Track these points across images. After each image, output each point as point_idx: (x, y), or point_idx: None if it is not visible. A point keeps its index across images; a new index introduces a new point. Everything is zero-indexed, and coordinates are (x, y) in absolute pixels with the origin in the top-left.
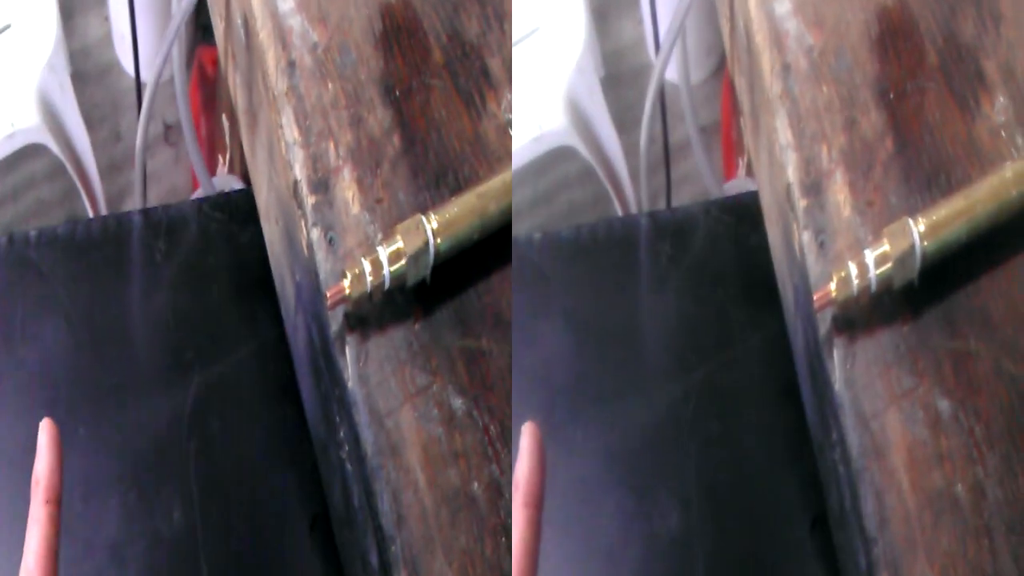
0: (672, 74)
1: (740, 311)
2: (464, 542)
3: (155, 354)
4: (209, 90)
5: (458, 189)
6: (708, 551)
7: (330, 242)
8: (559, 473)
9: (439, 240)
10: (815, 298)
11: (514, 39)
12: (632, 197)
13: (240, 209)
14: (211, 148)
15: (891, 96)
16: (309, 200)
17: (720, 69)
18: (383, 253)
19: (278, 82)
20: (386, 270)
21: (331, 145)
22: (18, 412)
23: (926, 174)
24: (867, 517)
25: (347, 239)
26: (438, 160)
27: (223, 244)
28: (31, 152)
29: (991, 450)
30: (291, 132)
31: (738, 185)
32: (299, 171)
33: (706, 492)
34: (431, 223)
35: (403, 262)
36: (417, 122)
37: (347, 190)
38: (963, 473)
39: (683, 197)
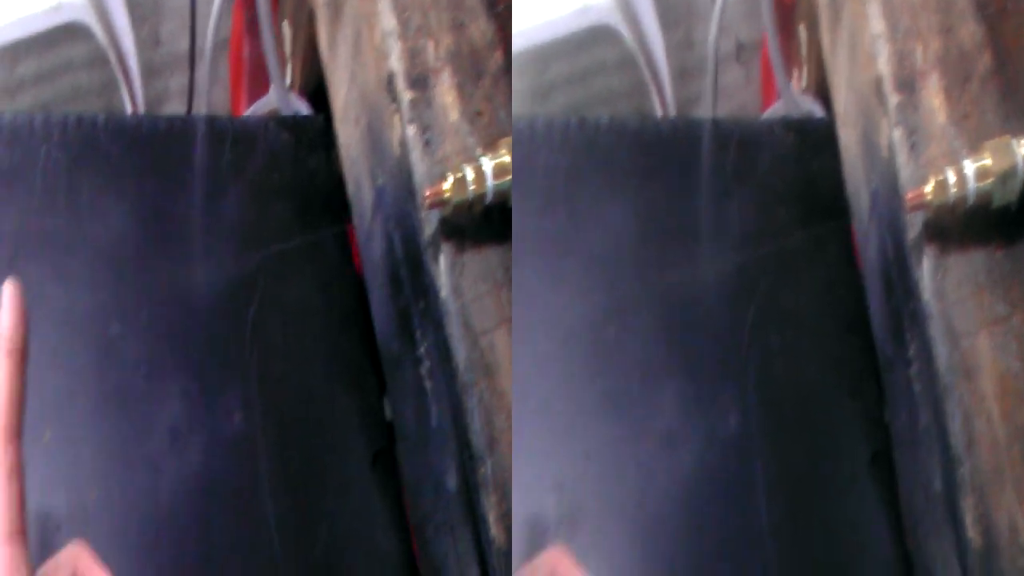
0: None
1: (802, 233)
2: None
3: (219, 258)
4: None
5: None
6: (766, 460)
7: (427, 143)
8: (622, 351)
9: None
10: (908, 196)
11: None
12: (670, 92)
13: (307, 133)
14: (256, 65)
15: (990, 10)
16: (406, 95)
17: None
18: (487, 164)
19: None
20: (489, 182)
21: (430, 44)
22: (84, 283)
23: None
24: (953, 435)
25: (445, 144)
26: None
27: (288, 165)
28: (71, 35)
29: None
30: (389, 20)
31: (797, 101)
32: (395, 62)
33: (765, 405)
34: None
35: (508, 177)
36: None
37: (446, 95)
38: None
39: (720, 109)
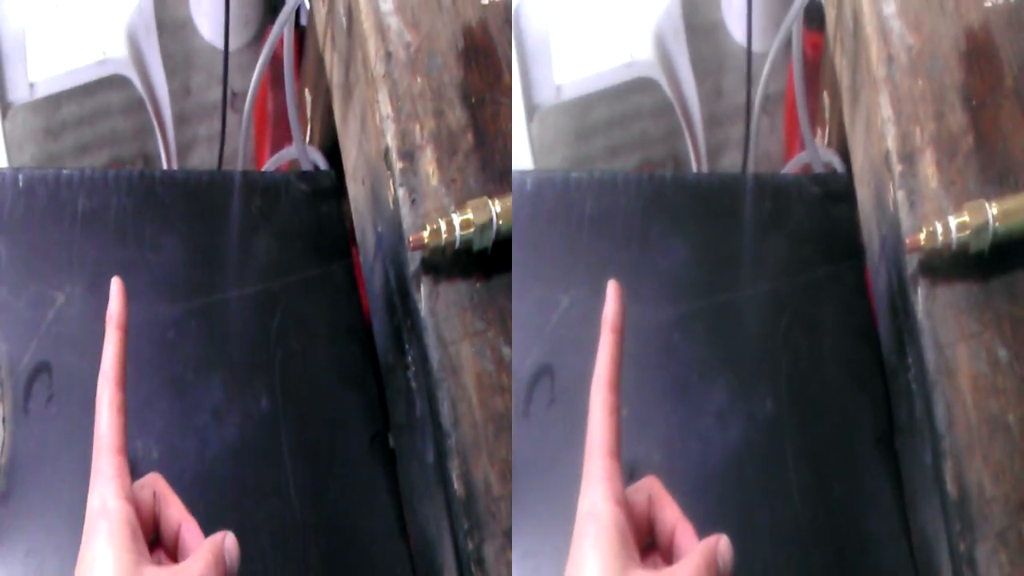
0: (743, 39)
1: (825, 265)
2: (504, 454)
3: (250, 282)
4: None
5: None
6: (794, 436)
7: (412, 202)
8: (684, 351)
9: (500, 221)
10: (907, 242)
11: None
12: (702, 137)
13: (321, 185)
14: (279, 117)
15: (973, 103)
16: (397, 165)
17: (787, 44)
18: (456, 219)
19: (376, 66)
20: (457, 232)
21: (417, 126)
22: (147, 300)
23: (998, 172)
24: (937, 419)
25: (427, 202)
26: (503, 162)
27: (306, 211)
28: (109, 84)
29: None
30: (385, 108)
31: (821, 155)
32: (390, 140)
33: (794, 394)
34: (496, 206)
35: (471, 230)
36: (488, 128)
37: (428, 165)
38: (1014, 407)
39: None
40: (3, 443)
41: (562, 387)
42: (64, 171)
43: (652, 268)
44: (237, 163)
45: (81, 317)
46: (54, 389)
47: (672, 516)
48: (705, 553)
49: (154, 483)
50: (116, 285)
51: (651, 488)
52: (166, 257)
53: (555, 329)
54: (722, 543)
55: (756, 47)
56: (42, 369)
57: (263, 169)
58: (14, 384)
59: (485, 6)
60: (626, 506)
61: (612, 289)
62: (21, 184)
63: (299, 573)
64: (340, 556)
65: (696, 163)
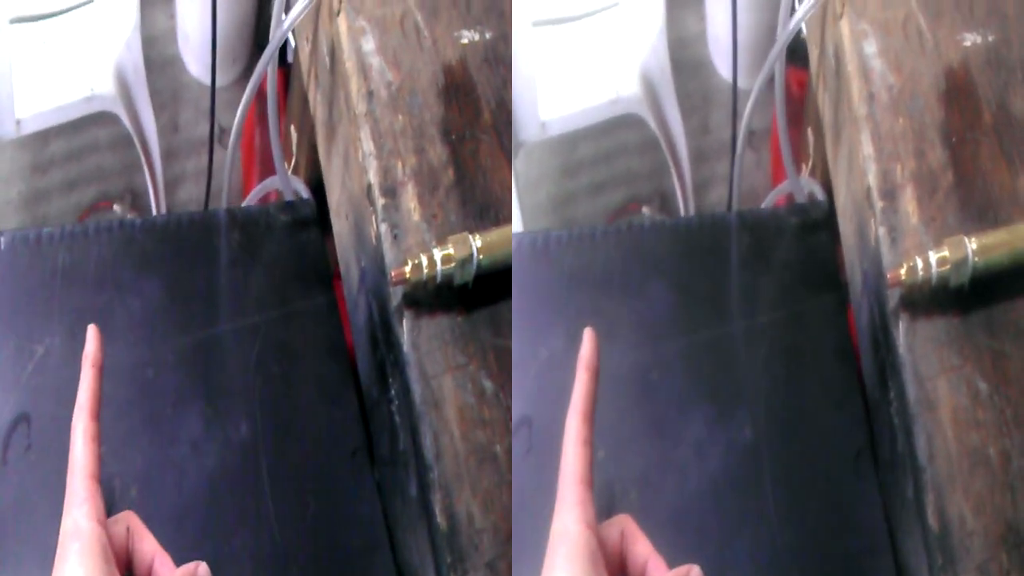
0: (730, 75)
1: (802, 288)
2: (487, 485)
3: (232, 315)
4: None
5: (498, 224)
6: (772, 459)
7: (395, 237)
8: (661, 389)
9: (481, 256)
10: (888, 276)
11: (594, 9)
12: (688, 173)
13: (300, 214)
14: (266, 154)
15: (953, 140)
16: (380, 201)
17: (771, 80)
18: (437, 254)
19: (358, 104)
20: (439, 267)
21: (399, 163)
22: (126, 341)
23: (978, 208)
24: (919, 450)
25: (408, 238)
26: (483, 197)
27: (287, 240)
28: (97, 120)
29: (1018, 429)
30: (368, 145)
31: (803, 184)
32: (373, 177)
33: (772, 420)
34: (476, 241)
35: (452, 265)
36: (468, 164)
37: (410, 201)
38: (994, 440)
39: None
40: None
41: (539, 436)
42: (46, 229)
43: (630, 310)
44: (222, 198)
45: (60, 367)
46: (32, 439)
47: (644, 551)
48: None
49: (127, 519)
50: (92, 331)
51: (624, 524)
52: (146, 299)
53: (533, 380)
54: (693, 573)
55: (742, 84)
56: (21, 420)
57: (246, 199)
58: None
59: (465, 45)
60: (597, 530)
61: (588, 335)
62: (3, 246)
63: None
64: (323, 574)
65: (682, 199)
